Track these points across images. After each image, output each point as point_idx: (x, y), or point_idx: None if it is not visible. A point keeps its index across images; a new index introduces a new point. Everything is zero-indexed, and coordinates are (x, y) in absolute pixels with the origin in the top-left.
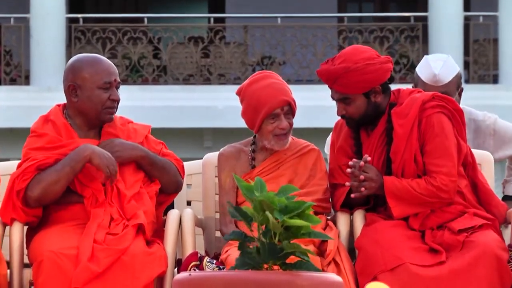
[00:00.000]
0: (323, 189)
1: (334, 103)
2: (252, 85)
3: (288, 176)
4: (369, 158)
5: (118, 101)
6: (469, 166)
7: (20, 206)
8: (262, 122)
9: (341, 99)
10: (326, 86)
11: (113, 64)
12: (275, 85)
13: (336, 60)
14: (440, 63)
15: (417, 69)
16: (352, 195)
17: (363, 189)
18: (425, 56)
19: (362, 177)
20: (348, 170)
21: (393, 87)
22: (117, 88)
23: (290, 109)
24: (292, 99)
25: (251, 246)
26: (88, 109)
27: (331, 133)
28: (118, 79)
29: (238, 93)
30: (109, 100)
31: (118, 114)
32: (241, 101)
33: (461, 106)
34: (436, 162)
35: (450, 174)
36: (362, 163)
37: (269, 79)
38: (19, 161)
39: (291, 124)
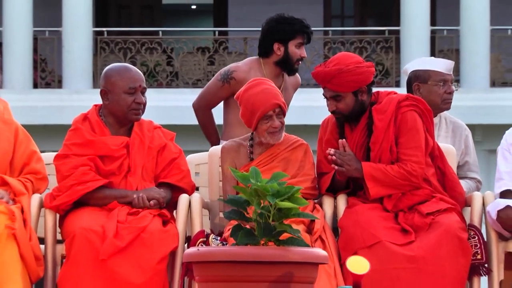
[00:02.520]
0: (311, 178)
1: (321, 103)
2: (248, 91)
3: (281, 167)
4: (344, 141)
5: (143, 103)
6: (437, 158)
7: (63, 208)
8: (257, 123)
9: (333, 96)
10: (315, 89)
11: (140, 72)
12: (268, 90)
13: (329, 64)
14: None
15: (427, 67)
16: (336, 169)
17: (342, 169)
18: (426, 58)
19: (332, 154)
20: (331, 152)
21: (372, 89)
22: (143, 92)
23: (281, 110)
24: (282, 101)
25: (248, 226)
26: (117, 111)
27: None
28: (143, 85)
29: (237, 97)
30: (134, 103)
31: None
32: (240, 105)
33: (446, 114)
34: (407, 152)
35: (418, 162)
36: (341, 146)
37: (262, 85)
38: (53, 153)
39: (282, 123)
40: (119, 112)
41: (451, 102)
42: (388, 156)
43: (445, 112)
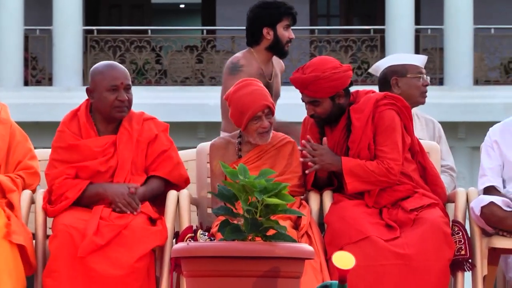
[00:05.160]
0: (298, 176)
1: None
2: (237, 92)
3: (268, 165)
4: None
5: (125, 101)
6: (417, 154)
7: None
8: (247, 123)
9: (311, 101)
10: None
11: (124, 69)
12: (256, 91)
13: (306, 69)
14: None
15: (403, 62)
16: (306, 171)
17: (315, 165)
18: (398, 54)
19: (305, 153)
20: (300, 148)
21: (356, 88)
22: (127, 90)
23: (269, 110)
24: (271, 102)
25: (236, 221)
26: (101, 109)
27: None
28: (127, 82)
29: (226, 98)
30: (116, 100)
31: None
32: (229, 106)
33: (417, 110)
34: (384, 149)
35: (394, 159)
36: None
37: (251, 86)
38: (45, 149)
39: (271, 123)
40: (103, 110)
41: (426, 95)
42: (366, 154)
43: (415, 109)
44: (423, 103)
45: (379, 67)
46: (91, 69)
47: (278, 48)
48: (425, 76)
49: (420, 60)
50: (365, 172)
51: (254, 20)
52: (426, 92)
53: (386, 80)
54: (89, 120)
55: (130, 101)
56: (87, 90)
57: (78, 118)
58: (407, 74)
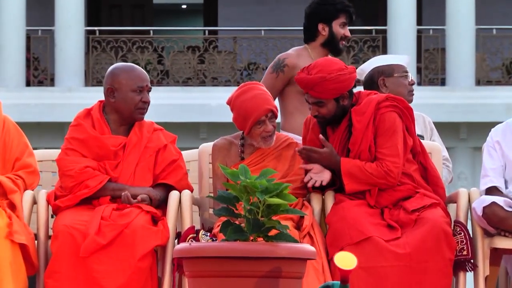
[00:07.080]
0: (301, 178)
1: None
2: (240, 97)
3: (271, 167)
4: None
5: (148, 103)
6: (419, 154)
7: (65, 209)
8: (251, 128)
9: (316, 102)
10: None
11: (145, 72)
12: (259, 96)
13: (312, 70)
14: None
15: (389, 62)
16: (308, 185)
17: (316, 181)
18: (381, 56)
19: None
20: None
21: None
22: (148, 92)
23: (273, 114)
24: (274, 106)
25: (237, 222)
26: (123, 109)
27: None
28: (149, 85)
29: (228, 103)
30: (141, 102)
31: None
32: (232, 110)
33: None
34: (384, 151)
35: (394, 162)
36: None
37: (254, 90)
38: (46, 150)
39: (274, 126)
40: (126, 110)
41: (413, 93)
42: (367, 156)
43: None
44: (411, 101)
45: (363, 70)
46: (112, 69)
47: (332, 45)
48: (410, 75)
49: (404, 60)
50: (363, 174)
51: (310, 16)
52: (413, 90)
53: (372, 81)
54: (102, 118)
55: (149, 104)
56: (108, 90)
57: (92, 116)
58: (394, 73)
